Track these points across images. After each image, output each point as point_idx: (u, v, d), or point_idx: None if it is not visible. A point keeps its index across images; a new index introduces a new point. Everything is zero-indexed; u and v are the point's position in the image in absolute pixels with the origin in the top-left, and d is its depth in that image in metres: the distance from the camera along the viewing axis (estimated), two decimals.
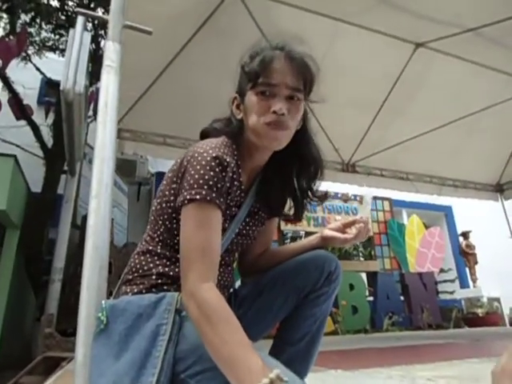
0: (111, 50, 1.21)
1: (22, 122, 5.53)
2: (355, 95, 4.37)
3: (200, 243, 0.76)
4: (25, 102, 5.52)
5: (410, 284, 6.89)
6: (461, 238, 8.22)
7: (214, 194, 0.79)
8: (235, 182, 0.87)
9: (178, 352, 0.75)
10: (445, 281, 7.84)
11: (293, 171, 0.98)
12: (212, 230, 0.78)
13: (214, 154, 0.82)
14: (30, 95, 6.24)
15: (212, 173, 0.80)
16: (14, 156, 4.50)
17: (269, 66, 0.86)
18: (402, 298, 6.88)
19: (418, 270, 7.50)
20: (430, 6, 3.40)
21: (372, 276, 6.86)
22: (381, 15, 3.54)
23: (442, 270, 7.99)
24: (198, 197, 0.78)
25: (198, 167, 0.80)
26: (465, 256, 7.98)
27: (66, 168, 5.06)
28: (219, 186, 0.80)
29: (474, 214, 8.14)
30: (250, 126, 0.89)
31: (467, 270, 8.07)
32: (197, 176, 0.79)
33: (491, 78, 4.23)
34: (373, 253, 7.42)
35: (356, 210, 7.52)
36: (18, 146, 5.38)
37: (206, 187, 0.78)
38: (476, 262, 7.86)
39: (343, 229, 1.02)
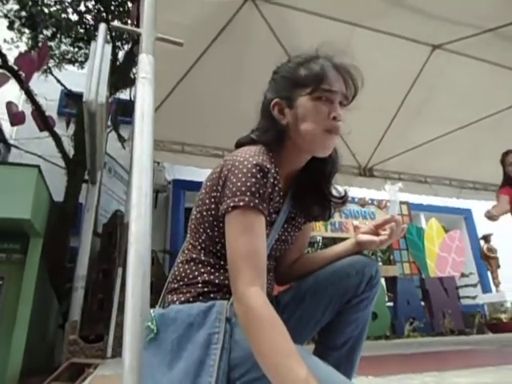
0: (145, 62, 1.25)
1: (44, 134, 5.69)
2: (371, 99, 4.32)
3: (245, 249, 0.76)
4: (46, 114, 5.67)
5: (431, 289, 6.77)
6: (482, 242, 8.05)
7: (256, 200, 0.79)
8: (276, 188, 0.88)
9: (232, 359, 0.75)
10: (466, 285, 7.68)
11: (321, 174, 1.00)
12: (256, 236, 0.79)
13: (254, 162, 0.82)
14: (50, 107, 6.41)
15: (254, 179, 0.80)
16: (38, 166, 4.62)
17: (329, 74, 0.89)
18: (422, 303, 6.76)
19: (438, 275, 7.37)
20: (447, 7, 3.38)
21: (391, 281, 6.77)
22: (396, 18, 3.53)
23: (463, 275, 7.84)
24: (241, 203, 0.78)
25: (240, 175, 0.81)
26: (486, 260, 7.81)
27: (86, 177, 5.17)
28: (261, 192, 0.81)
29: None
30: (305, 131, 0.90)
31: (489, 274, 7.89)
32: (239, 183, 0.80)
33: (511, 79, 4.16)
34: (391, 257, 7.33)
35: (373, 215, 7.45)
36: (40, 156, 5.52)
37: (248, 194, 0.79)
38: (498, 266, 7.68)
39: (376, 230, 1.01)
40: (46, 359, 5.06)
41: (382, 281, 6.70)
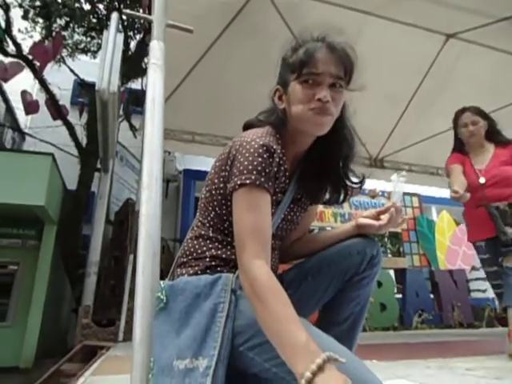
0: (156, 48, 1.28)
1: (57, 122, 5.78)
2: (384, 89, 4.30)
3: (251, 225, 0.80)
4: (60, 103, 5.76)
5: (440, 281, 6.73)
6: None
7: (262, 179, 0.83)
8: (282, 168, 0.92)
9: (236, 327, 0.80)
10: (477, 279, 7.61)
11: (330, 157, 1.01)
12: (262, 212, 0.82)
13: (261, 142, 0.86)
14: (64, 96, 6.51)
15: (260, 159, 0.84)
16: (52, 154, 4.71)
17: (313, 56, 0.90)
18: (431, 295, 6.74)
19: (448, 268, 7.33)
20: None
21: (400, 273, 6.75)
22: (410, 6, 3.47)
23: (473, 268, 7.77)
24: (247, 181, 0.82)
25: (247, 155, 0.85)
26: None
27: (98, 166, 5.25)
28: (267, 171, 0.84)
29: None
30: (295, 113, 0.92)
31: None
32: (246, 163, 0.84)
33: None
34: (401, 249, 7.31)
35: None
36: (53, 145, 5.62)
37: (255, 172, 0.82)
38: None
39: (377, 216, 1.04)
40: (59, 342, 5.21)
41: (391, 272, 6.70)
